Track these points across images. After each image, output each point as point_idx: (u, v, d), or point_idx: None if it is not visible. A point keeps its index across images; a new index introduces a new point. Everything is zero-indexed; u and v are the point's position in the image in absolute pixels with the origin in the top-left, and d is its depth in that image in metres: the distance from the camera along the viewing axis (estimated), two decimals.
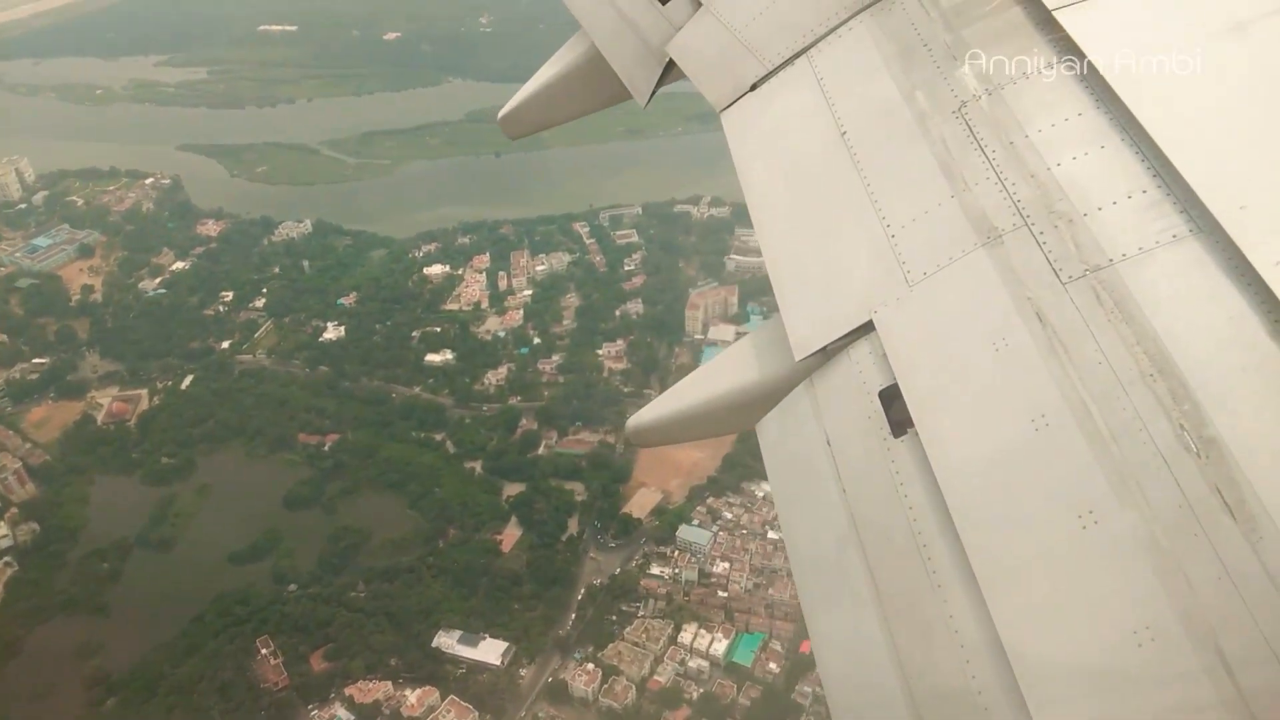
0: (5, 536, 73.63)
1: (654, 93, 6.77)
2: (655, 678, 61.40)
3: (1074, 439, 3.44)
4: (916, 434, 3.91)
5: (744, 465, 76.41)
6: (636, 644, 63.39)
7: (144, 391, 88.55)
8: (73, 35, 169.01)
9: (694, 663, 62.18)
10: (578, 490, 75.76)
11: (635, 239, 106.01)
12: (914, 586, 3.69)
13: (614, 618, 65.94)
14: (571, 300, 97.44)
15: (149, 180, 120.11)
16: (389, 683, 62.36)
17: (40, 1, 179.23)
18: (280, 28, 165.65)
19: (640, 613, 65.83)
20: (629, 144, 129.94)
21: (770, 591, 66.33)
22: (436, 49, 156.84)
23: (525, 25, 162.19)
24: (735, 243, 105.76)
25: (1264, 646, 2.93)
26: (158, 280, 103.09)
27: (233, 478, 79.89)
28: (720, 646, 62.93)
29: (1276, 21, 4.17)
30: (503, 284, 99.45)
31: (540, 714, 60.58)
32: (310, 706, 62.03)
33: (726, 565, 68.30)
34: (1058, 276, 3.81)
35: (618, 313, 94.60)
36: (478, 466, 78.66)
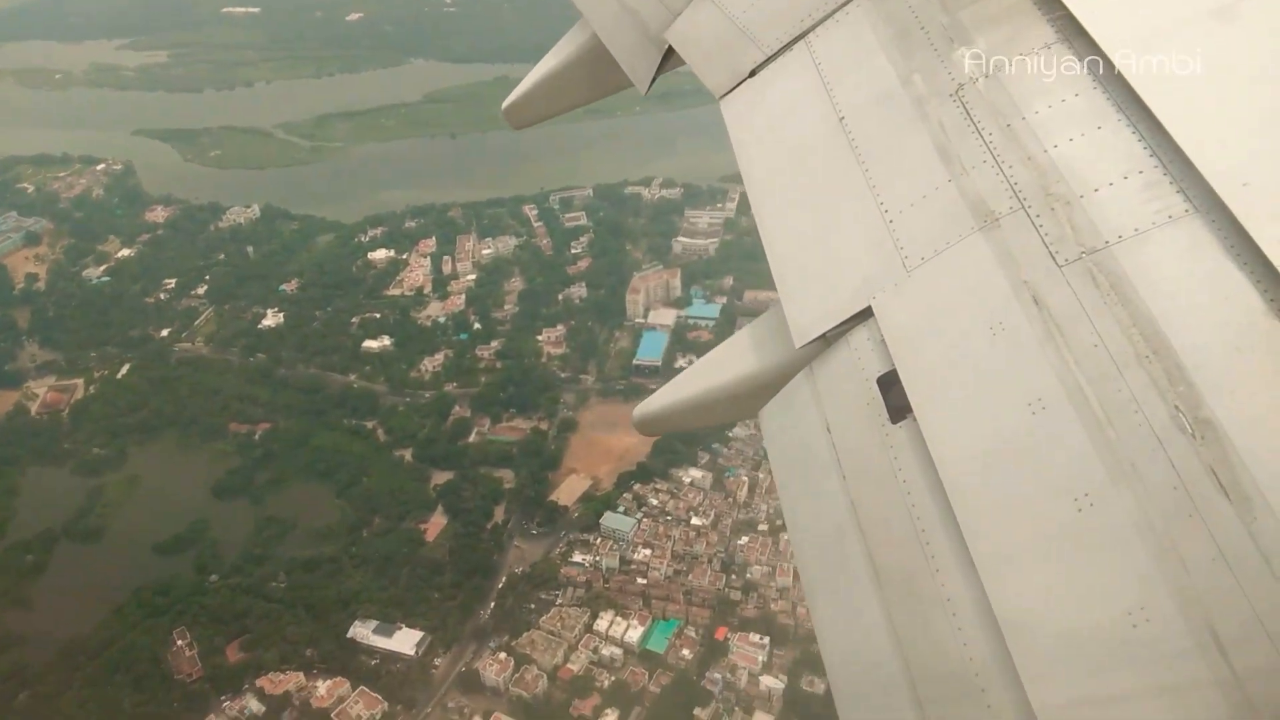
0: None
1: (654, 80, 6.68)
2: (568, 666, 60.88)
3: (1070, 422, 3.45)
4: (915, 420, 3.89)
5: (674, 451, 75.83)
6: (552, 632, 62.83)
7: (80, 381, 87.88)
8: (37, 18, 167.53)
9: (607, 650, 61.62)
10: (507, 478, 75.04)
11: (584, 221, 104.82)
12: (913, 570, 3.69)
13: (532, 606, 65.35)
14: (516, 284, 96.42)
15: (100, 166, 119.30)
16: (301, 674, 61.91)
17: None
18: (244, 10, 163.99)
19: (558, 601, 65.21)
20: (587, 124, 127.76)
21: (690, 578, 65.67)
22: (399, 29, 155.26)
23: (490, 5, 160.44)
24: (684, 224, 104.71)
25: (1258, 627, 2.92)
26: (102, 268, 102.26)
27: (163, 468, 79.31)
28: (636, 634, 62.35)
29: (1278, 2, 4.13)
30: (447, 268, 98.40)
31: (450, 704, 60.12)
32: (223, 698, 61.58)
33: (648, 552, 67.62)
34: (1054, 260, 3.78)
35: (560, 297, 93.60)
36: (408, 455, 77.85)
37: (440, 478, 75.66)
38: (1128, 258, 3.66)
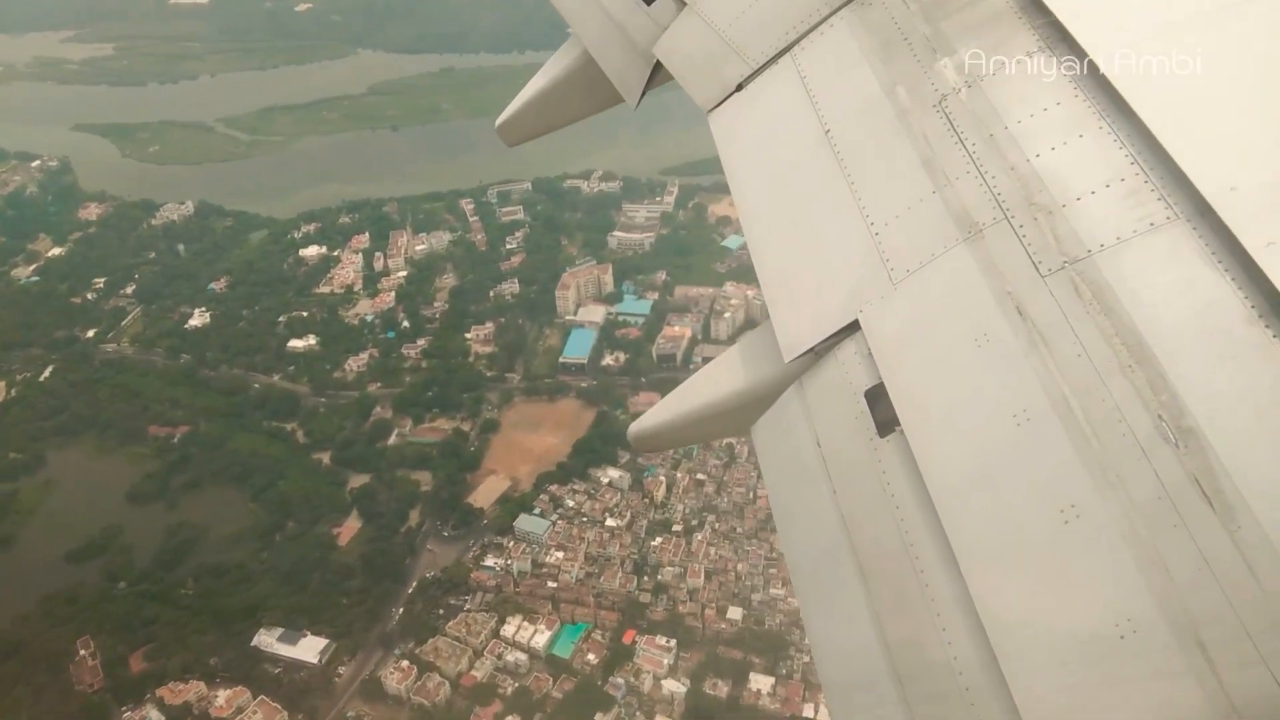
0: None
1: (644, 94, 6.66)
2: (472, 673, 60.15)
3: (1055, 433, 3.46)
4: (902, 433, 3.90)
5: (593, 451, 75.10)
6: (457, 639, 62.07)
7: (2, 384, 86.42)
8: None
9: (513, 656, 60.90)
10: (425, 480, 74.07)
11: (520, 216, 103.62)
12: (902, 581, 3.70)
13: (441, 612, 64.58)
14: (448, 281, 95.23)
15: (36, 163, 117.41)
16: (203, 683, 61.04)
17: None
18: (191, 1, 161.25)
19: (466, 606, 64.43)
20: None
21: (601, 580, 64.94)
22: (347, 20, 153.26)
23: None
24: (622, 219, 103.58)
25: (1243, 636, 2.93)
26: (32, 267, 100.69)
27: (80, 472, 77.97)
28: (542, 639, 61.65)
29: (1266, 5, 4.13)
30: (379, 265, 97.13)
31: (350, 713, 59.35)
32: (124, 709, 60.69)
33: (561, 555, 66.85)
34: (1037, 269, 3.79)
35: (492, 294, 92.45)
36: (326, 458, 76.79)
37: (358, 481, 74.69)
38: (1110, 266, 3.66)
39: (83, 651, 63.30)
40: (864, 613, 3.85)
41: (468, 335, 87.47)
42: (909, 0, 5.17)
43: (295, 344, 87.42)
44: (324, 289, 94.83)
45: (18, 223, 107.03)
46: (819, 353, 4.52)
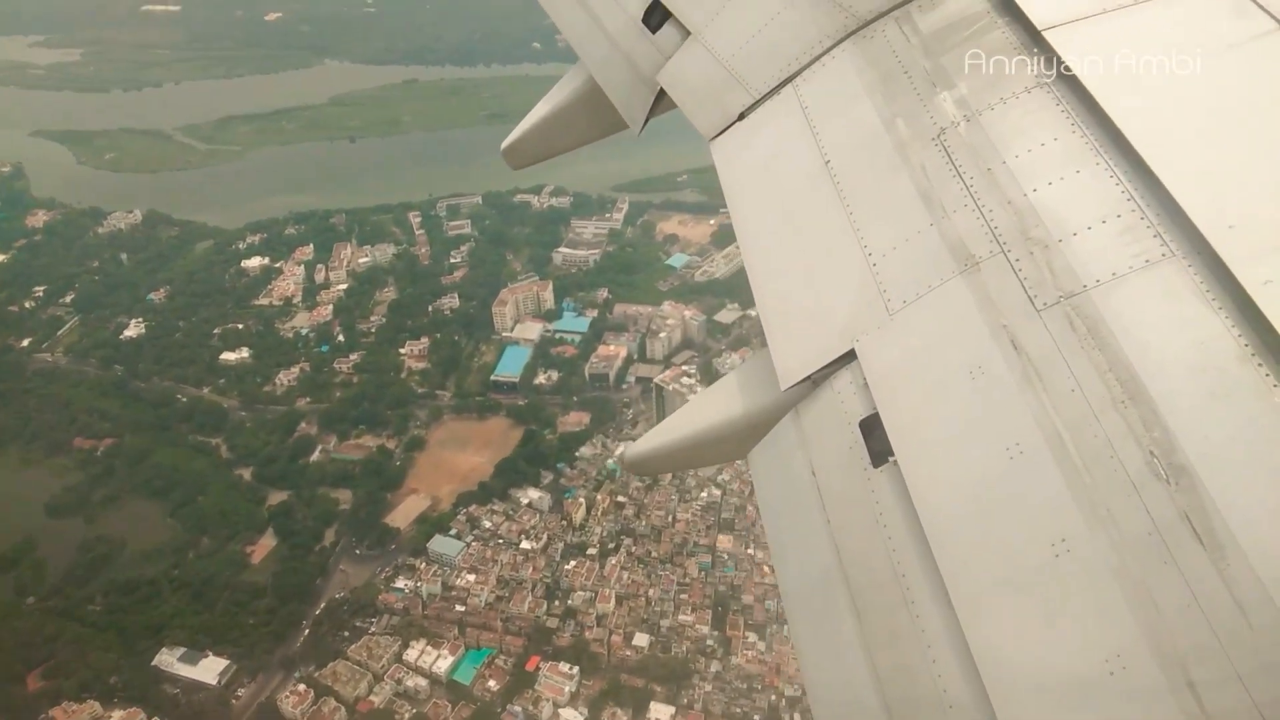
0: None
1: (647, 121, 6.66)
2: (370, 698, 59.05)
3: (1047, 467, 3.47)
4: (896, 464, 3.91)
5: (516, 471, 74.20)
6: (358, 663, 60.97)
7: None
8: None
9: (413, 681, 59.82)
10: (344, 498, 73.12)
11: (467, 230, 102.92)
12: (894, 613, 3.70)
13: (346, 634, 63.51)
14: (388, 294, 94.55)
15: None
16: (98, 703, 59.92)
17: None
18: (163, 8, 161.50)
19: (371, 629, 63.38)
20: (490, 129, 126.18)
21: (510, 604, 63.93)
22: (315, 29, 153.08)
23: (410, 5, 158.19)
24: (569, 234, 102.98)
25: (1233, 676, 2.94)
26: None
27: (1, 484, 77.12)
28: (445, 664, 60.57)
29: (1265, 44, 4.16)
30: (320, 277, 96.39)
31: None
32: None
33: (472, 577, 65.82)
34: (1032, 304, 3.82)
35: (430, 308, 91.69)
36: (248, 473, 75.86)
37: (277, 497, 73.71)
38: (1105, 302, 3.67)
39: None
40: (855, 642, 3.83)
41: (402, 350, 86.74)
42: (910, 34, 5.18)
43: (228, 356, 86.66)
44: (263, 301, 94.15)
45: None
46: (815, 381, 4.51)
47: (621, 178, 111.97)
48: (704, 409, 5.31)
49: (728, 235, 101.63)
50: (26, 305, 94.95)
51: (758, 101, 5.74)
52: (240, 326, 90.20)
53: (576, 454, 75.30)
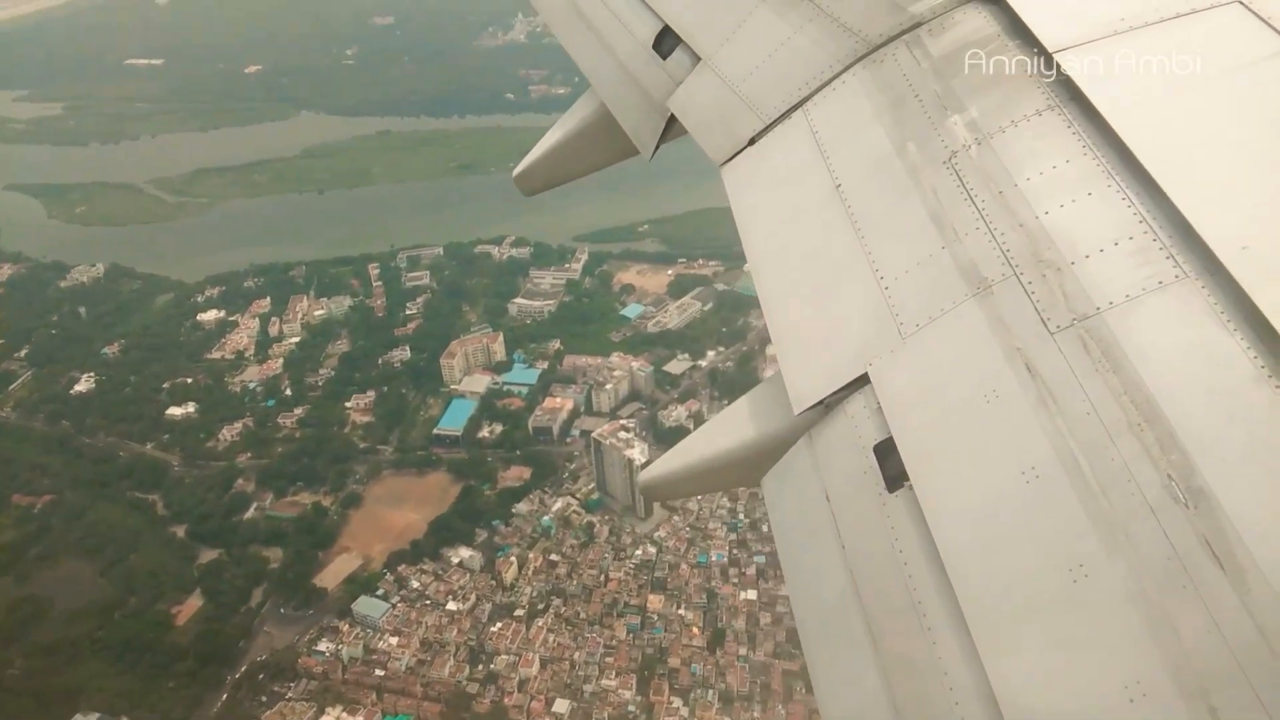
0: None
1: (658, 146, 6.67)
2: None
3: (1064, 491, 3.44)
4: (911, 488, 3.87)
5: (450, 529, 73.12)
6: None
7: None
8: None
9: None
10: (275, 557, 72.09)
11: (425, 281, 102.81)
12: (910, 639, 3.67)
13: (263, 699, 62.15)
14: (340, 347, 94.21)
15: None
16: None
17: None
18: (146, 61, 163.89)
19: (288, 694, 61.99)
20: (459, 180, 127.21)
21: (431, 669, 62.50)
22: (294, 82, 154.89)
23: (390, 57, 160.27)
24: (527, 285, 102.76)
25: (1255, 702, 2.89)
26: None
27: None
28: None
29: (1277, 65, 4.14)
30: (274, 330, 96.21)
31: None
32: None
33: (395, 640, 64.49)
34: (1046, 326, 3.81)
35: (381, 361, 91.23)
36: (182, 531, 75.02)
37: (209, 555, 72.76)
38: (1119, 324, 3.65)
39: None
40: (871, 669, 3.77)
41: (348, 404, 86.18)
42: (920, 58, 5.16)
43: (174, 411, 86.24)
44: (216, 355, 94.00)
45: None
46: (829, 405, 4.48)
47: (585, 228, 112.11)
48: (717, 433, 5.24)
49: (684, 285, 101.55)
50: None
51: (768, 126, 5.71)
52: (189, 381, 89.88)
53: (513, 510, 74.20)
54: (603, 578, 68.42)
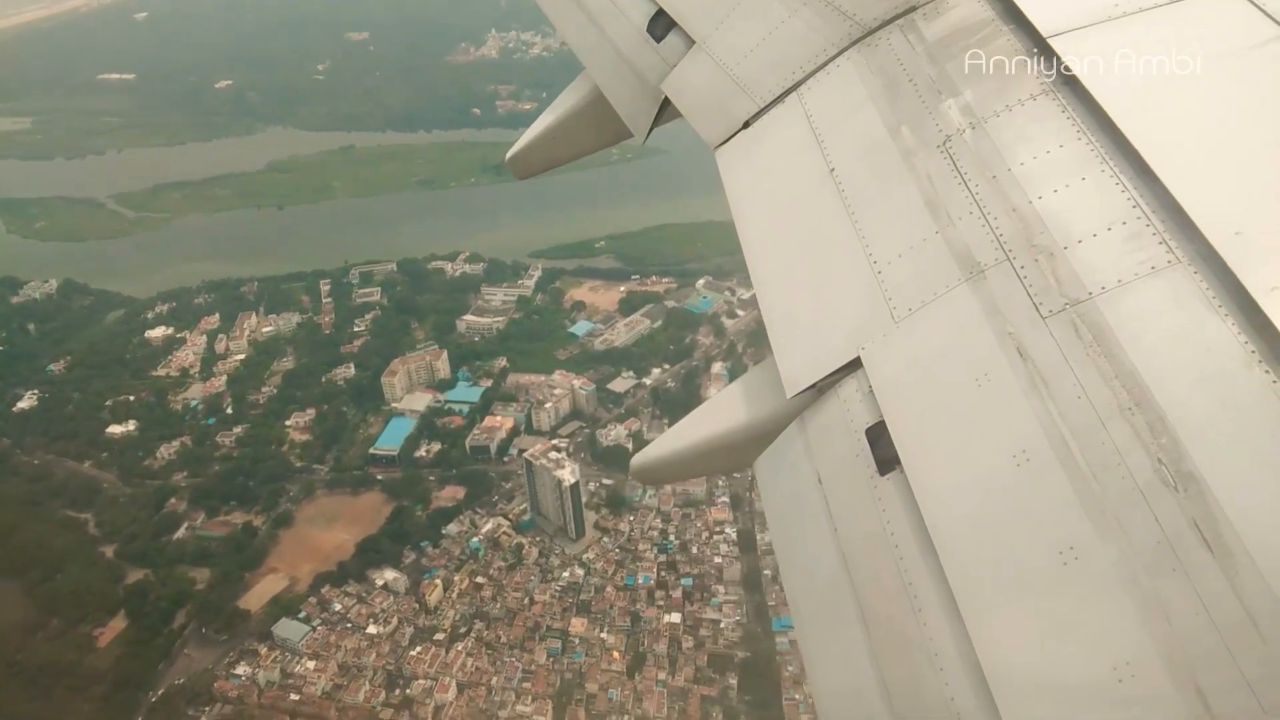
0: None
1: (652, 129, 6.70)
2: None
3: (1054, 475, 3.48)
4: (903, 472, 3.91)
5: (378, 550, 72.40)
6: None
7: None
8: None
9: None
10: (202, 578, 71.40)
11: (376, 298, 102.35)
12: (901, 622, 3.70)
13: None
14: (285, 364, 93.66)
15: None
16: None
17: None
18: (118, 76, 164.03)
19: (202, 719, 61.24)
20: (419, 195, 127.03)
21: (346, 694, 61.72)
22: (264, 96, 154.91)
23: (361, 72, 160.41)
24: (477, 302, 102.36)
25: (1242, 684, 2.94)
26: None
27: None
28: None
29: (1271, 50, 4.18)
30: (221, 347, 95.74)
31: None
32: None
33: (312, 664, 63.73)
34: (1038, 311, 3.83)
35: (324, 379, 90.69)
36: (111, 550, 74.35)
37: (136, 576, 72.05)
38: (1111, 309, 3.67)
39: None
40: (863, 652, 3.80)
41: (287, 423, 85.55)
42: (914, 42, 5.15)
43: (114, 429, 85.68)
44: (160, 372, 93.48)
45: None
46: (821, 389, 4.49)
47: (543, 243, 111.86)
48: (710, 417, 5.26)
49: (635, 303, 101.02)
50: None
51: (763, 110, 5.70)
52: (132, 399, 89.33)
53: (443, 532, 73.50)
54: (527, 600, 67.68)
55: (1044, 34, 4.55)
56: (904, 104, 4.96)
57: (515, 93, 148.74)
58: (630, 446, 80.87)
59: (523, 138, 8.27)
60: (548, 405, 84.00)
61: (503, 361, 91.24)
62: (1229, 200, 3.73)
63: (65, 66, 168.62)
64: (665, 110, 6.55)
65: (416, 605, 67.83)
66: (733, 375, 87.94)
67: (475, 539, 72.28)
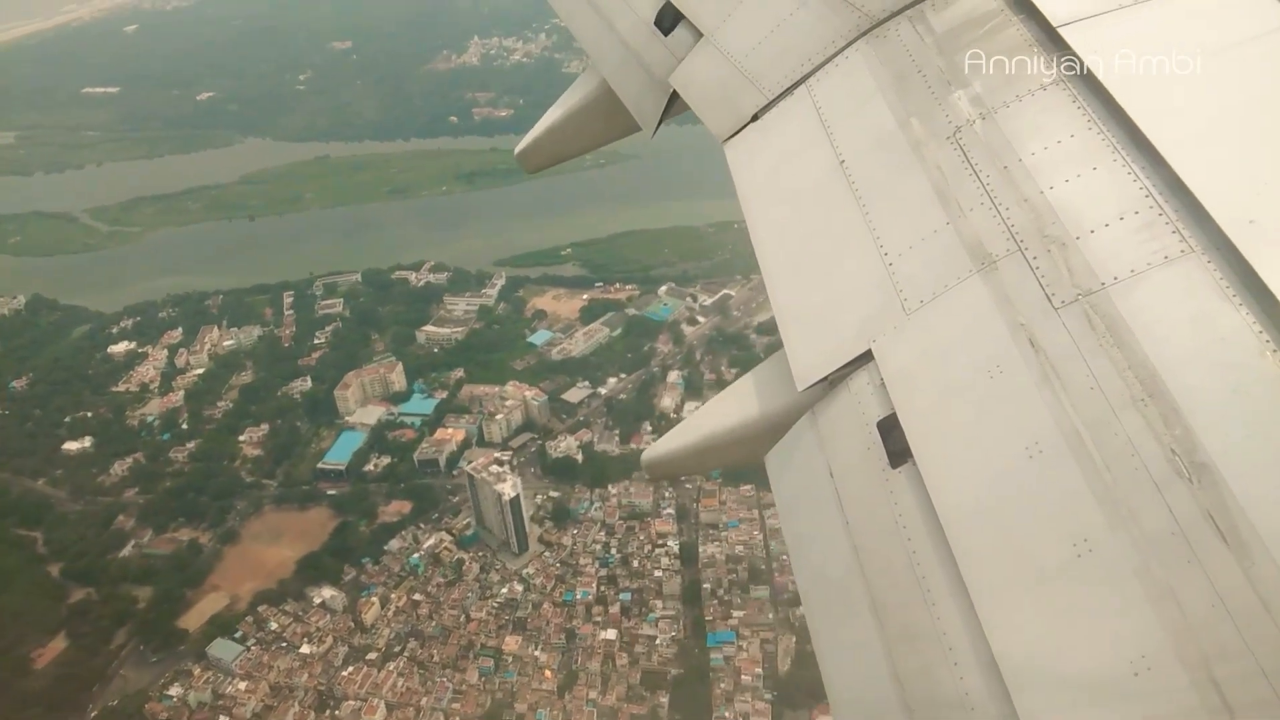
0: None
1: (660, 123, 6.68)
2: None
3: (1067, 466, 3.46)
4: (915, 464, 3.90)
5: (318, 567, 71.97)
6: None
7: None
8: None
9: None
10: (145, 596, 71.20)
11: (338, 309, 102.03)
12: (914, 614, 3.69)
13: None
14: (244, 378, 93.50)
15: None
16: None
17: None
18: (103, 90, 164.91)
19: None
20: (388, 205, 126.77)
21: (275, 715, 61.22)
22: (244, 108, 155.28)
23: (341, 83, 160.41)
24: (440, 312, 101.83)
25: (1258, 674, 2.92)
26: None
27: None
28: None
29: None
30: (182, 361, 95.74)
31: None
32: None
33: (244, 685, 63.30)
34: (1050, 302, 3.80)
35: (280, 392, 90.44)
36: (57, 569, 74.33)
37: (79, 595, 71.97)
38: (1123, 299, 3.64)
39: None
40: (876, 643, 3.79)
41: (241, 437, 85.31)
42: (924, 33, 5.13)
43: (70, 446, 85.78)
44: (121, 387, 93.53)
45: None
46: (832, 382, 4.48)
47: (511, 250, 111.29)
48: (721, 410, 5.27)
49: (596, 311, 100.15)
50: None
51: (771, 102, 5.67)
52: (89, 415, 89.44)
53: (385, 548, 72.95)
54: (464, 618, 66.99)
55: (1053, 23, 4.52)
56: (914, 95, 4.91)
57: (493, 99, 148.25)
58: (580, 459, 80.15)
59: (531, 132, 8.26)
60: (499, 417, 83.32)
61: (459, 373, 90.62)
62: (1242, 188, 3.68)
63: (52, 81, 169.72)
64: (674, 104, 6.52)
65: (353, 624, 67.27)
66: (688, 384, 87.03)
67: (415, 555, 71.64)
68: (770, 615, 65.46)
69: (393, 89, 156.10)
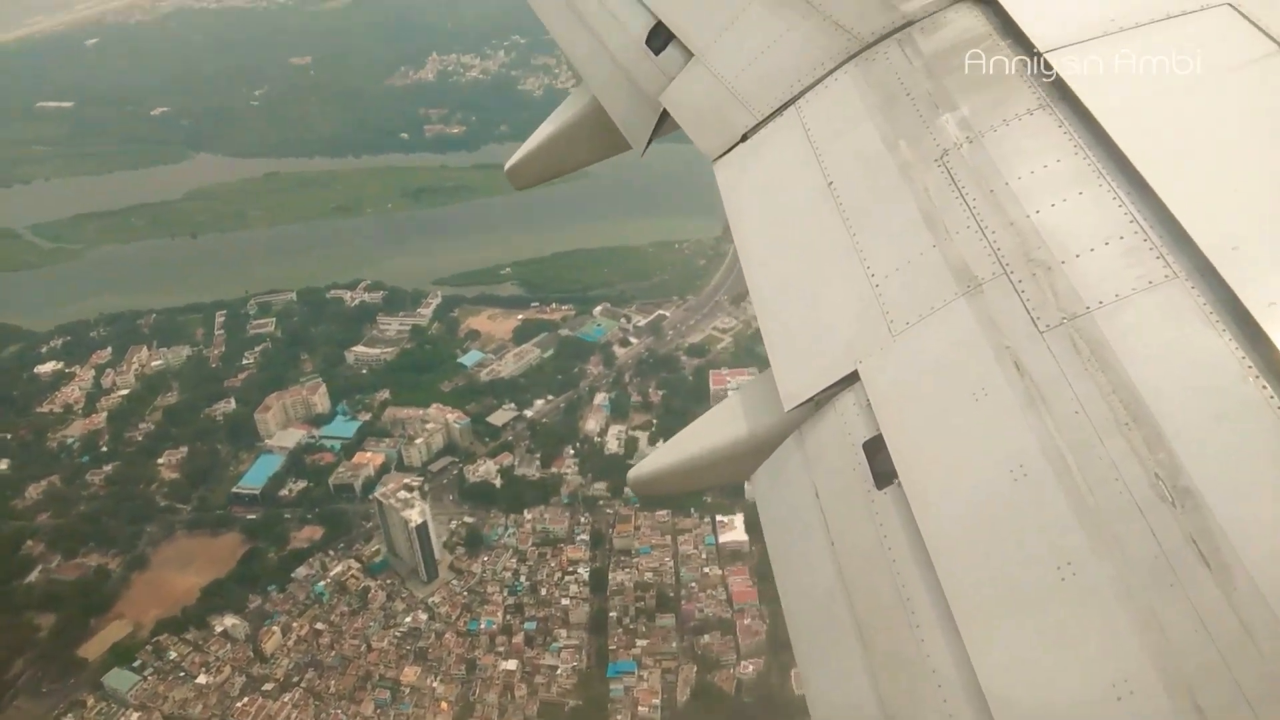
0: None
1: (650, 141, 6.75)
2: None
3: (1051, 490, 3.47)
4: (900, 486, 3.91)
5: (223, 595, 71.15)
6: None
7: None
8: None
9: None
10: (46, 624, 70.22)
11: (270, 329, 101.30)
12: (898, 637, 3.67)
13: None
14: (169, 399, 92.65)
15: None
16: None
17: None
18: (56, 104, 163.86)
19: None
20: (331, 222, 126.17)
21: None
22: (197, 124, 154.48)
23: (296, 99, 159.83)
24: (372, 331, 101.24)
25: (1240, 701, 2.92)
26: None
27: None
28: None
29: (1267, 66, 4.22)
30: (108, 381, 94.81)
31: None
32: None
33: (137, 716, 62.42)
34: (1035, 325, 3.84)
35: (203, 414, 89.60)
36: None
37: None
38: (1108, 324, 3.67)
39: None
40: (859, 666, 3.79)
41: (160, 460, 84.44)
42: (912, 56, 5.18)
43: None
44: (45, 408, 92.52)
45: None
46: (819, 403, 4.48)
47: (450, 269, 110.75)
48: (707, 430, 5.22)
49: (529, 331, 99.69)
50: None
51: (761, 123, 5.71)
52: (9, 436, 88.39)
53: (292, 575, 72.15)
54: (365, 647, 66.29)
55: (1041, 49, 4.56)
56: (902, 118, 4.95)
57: (445, 116, 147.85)
58: (498, 483, 79.57)
59: (521, 149, 8.30)
60: (419, 441, 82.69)
61: (384, 394, 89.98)
62: (1226, 215, 3.73)
63: (5, 95, 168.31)
64: (664, 122, 6.58)
65: (252, 653, 66.44)
66: (615, 406, 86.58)
67: (321, 583, 70.85)
68: (674, 644, 65.02)
69: (347, 105, 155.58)
